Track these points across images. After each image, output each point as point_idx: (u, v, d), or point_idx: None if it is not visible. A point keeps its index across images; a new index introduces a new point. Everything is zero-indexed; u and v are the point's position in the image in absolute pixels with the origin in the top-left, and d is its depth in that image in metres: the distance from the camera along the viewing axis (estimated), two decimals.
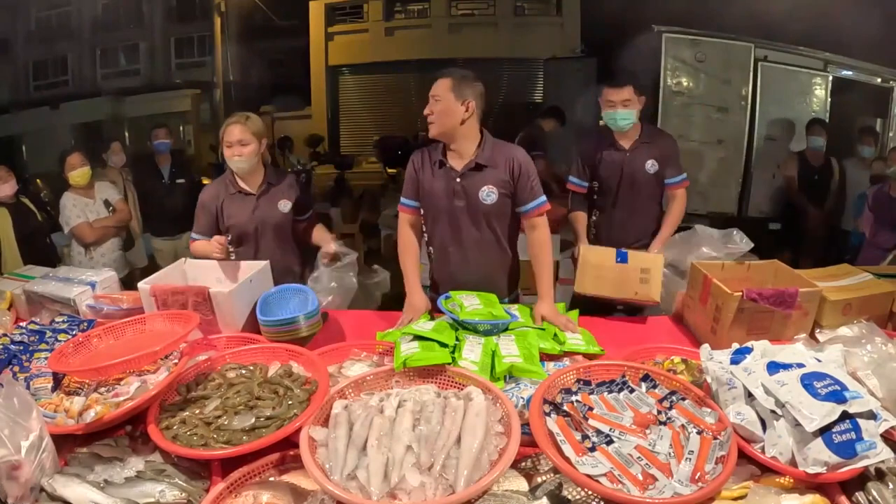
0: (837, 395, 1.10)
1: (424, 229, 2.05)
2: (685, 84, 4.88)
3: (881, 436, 1.09)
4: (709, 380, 1.29)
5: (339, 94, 9.96)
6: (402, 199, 2.05)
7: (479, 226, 1.93)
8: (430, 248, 2.06)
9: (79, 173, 3.18)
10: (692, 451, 1.11)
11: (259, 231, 2.20)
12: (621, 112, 2.43)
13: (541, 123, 4.43)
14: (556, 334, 1.68)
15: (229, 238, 2.12)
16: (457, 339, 1.56)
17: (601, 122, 2.79)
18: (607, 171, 2.56)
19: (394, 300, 2.17)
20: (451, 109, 1.85)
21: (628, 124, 2.46)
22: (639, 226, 2.58)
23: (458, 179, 1.90)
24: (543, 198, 1.93)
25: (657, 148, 2.52)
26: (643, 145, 2.51)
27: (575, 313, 1.86)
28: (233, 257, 2.12)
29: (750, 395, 1.20)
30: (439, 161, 1.93)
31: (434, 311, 1.89)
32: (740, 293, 1.60)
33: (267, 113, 8.16)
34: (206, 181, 5.81)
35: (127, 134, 7.17)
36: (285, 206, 2.24)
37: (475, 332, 1.61)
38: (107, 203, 3.33)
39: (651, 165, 2.51)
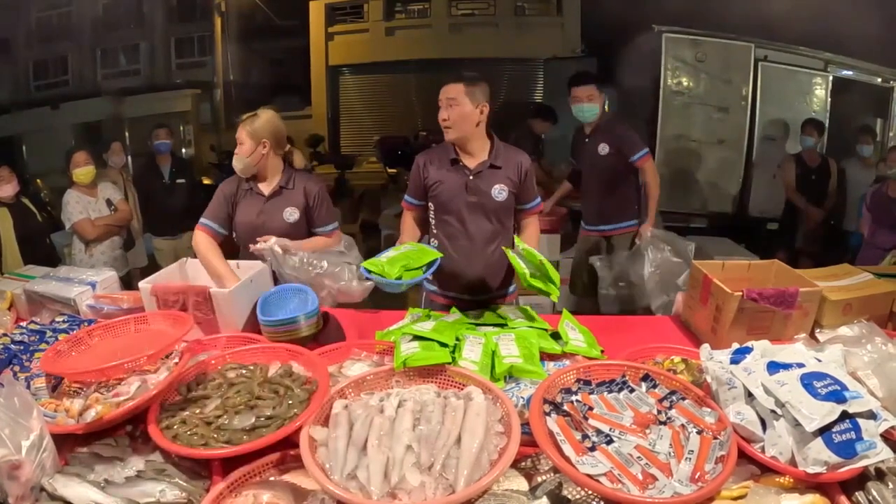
0: (837, 395, 1.10)
1: (433, 223, 2.07)
2: (685, 84, 4.88)
3: (881, 436, 1.09)
4: (709, 379, 1.29)
5: (340, 94, 9.93)
6: (407, 198, 2.10)
7: (489, 219, 2.00)
8: (436, 241, 2.08)
9: (83, 171, 3.20)
10: (692, 451, 1.11)
11: (260, 235, 2.07)
12: (587, 105, 2.91)
13: (531, 124, 4.37)
14: (555, 333, 1.68)
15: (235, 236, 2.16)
16: (457, 338, 1.56)
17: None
18: (578, 159, 3.23)
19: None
20: (468, 114, 1.89)
21: (593, 115, 2.95)
22: (612, 206, 3.07)
23: (471, 177, 1.96)
24: (539, 199, 2.10)
25: (611, 133, 2.97)
26: (599, 133, 3.00)
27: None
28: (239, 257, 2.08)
29: (750, 395, 1.20)
30: (451, 160, 1.97)
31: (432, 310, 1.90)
32: (740, 293, 1.60)
33: None
34: (206, 181, 5.84)
35: (127, 134, 7.16)
36: (291, 214, 2.14)
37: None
38: (109, 202, 3.35)
39: (602, 148, 2.96)
